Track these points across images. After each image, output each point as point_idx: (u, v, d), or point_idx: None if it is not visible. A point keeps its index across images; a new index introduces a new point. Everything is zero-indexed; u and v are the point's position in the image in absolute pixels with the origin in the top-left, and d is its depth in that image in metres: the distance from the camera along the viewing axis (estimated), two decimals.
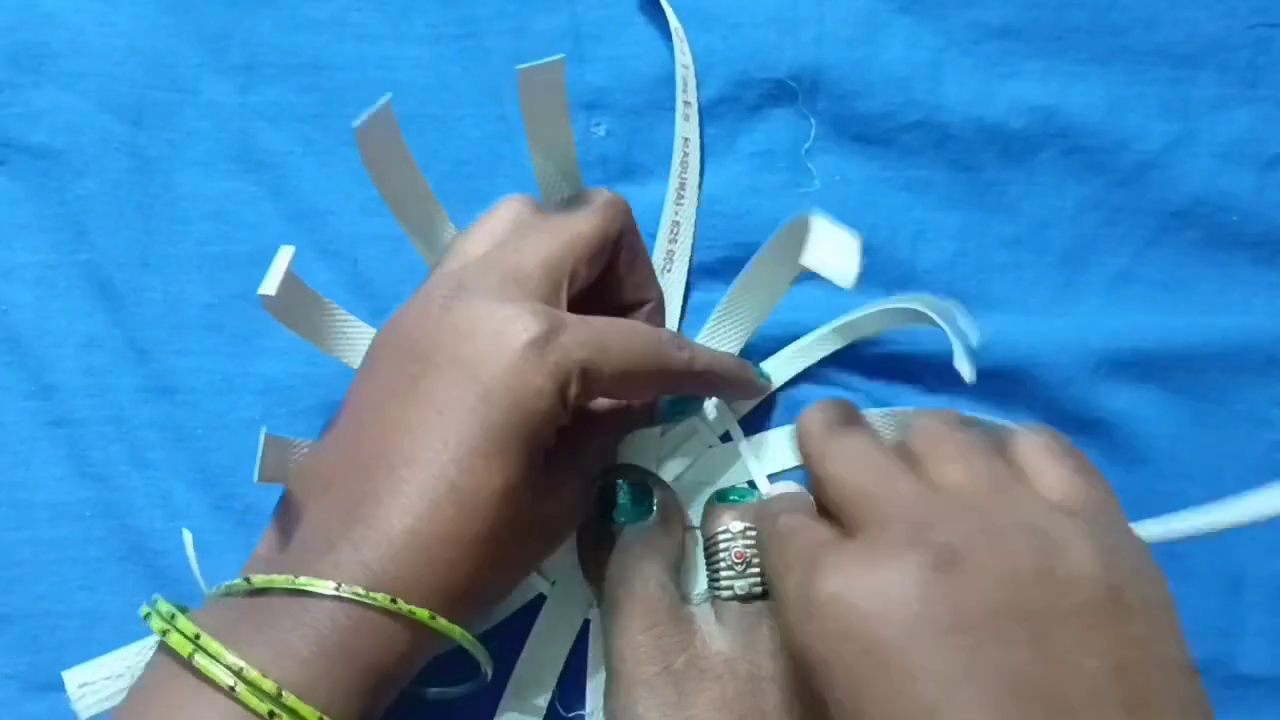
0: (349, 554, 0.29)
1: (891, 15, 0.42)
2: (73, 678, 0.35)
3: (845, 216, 0.41)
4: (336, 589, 0.28)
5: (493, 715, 0.37)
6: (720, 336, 0.40)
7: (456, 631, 0.30)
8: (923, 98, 0.41)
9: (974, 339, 0.32)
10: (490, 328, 0.30)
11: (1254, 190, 0.41)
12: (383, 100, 0.32)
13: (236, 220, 0.41)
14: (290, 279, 0.33)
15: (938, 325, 0.34)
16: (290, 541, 0.31)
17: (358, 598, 0.28)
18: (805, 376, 0.40)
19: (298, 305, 0.34)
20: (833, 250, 0.33)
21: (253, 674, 0.27)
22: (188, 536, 0.33)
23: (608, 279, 0.36)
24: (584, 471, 0.34)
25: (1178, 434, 0.40)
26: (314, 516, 0.31)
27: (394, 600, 0.29)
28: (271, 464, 0.33)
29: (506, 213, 0.35)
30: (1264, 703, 0.39)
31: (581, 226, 0.34)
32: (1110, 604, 0.26)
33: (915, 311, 0.36)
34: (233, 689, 0.27)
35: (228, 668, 0.27)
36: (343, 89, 0.42)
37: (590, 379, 0.31)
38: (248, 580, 0.29)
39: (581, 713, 0.38)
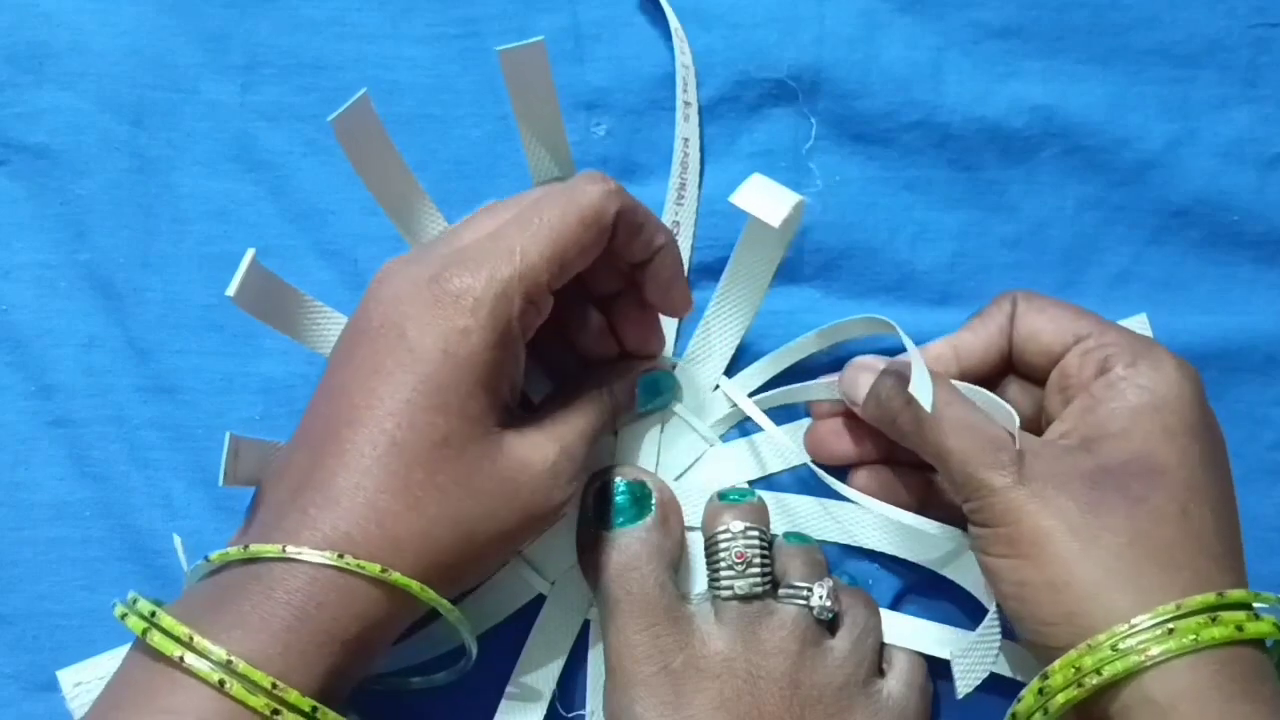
0: (297, 519, 0.29)
1: (891, 15, 0.42)
2: (67, 677, 0.35)
3: (845, 216, 0.41)
4: (282, 551, 0.29)
5: (493, 715, 0.37)
6: (716, 332, 0.40)
7: (414, 586, 0.30)
8: (923, 98, 0.41)
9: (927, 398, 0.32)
10: (408, 289, 0.31)
11: (1254, 190, 0.41)
12: (358, 94, 0.33)
13: (236, 220, 0.41)
14: (259, 277, 0.33)
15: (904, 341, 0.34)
16: (251, 523, 0.31)
17: (303, 557, 0.29)
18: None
19: (273, 301, 0.35)
20: (762, 195, 0.34)
21: (203, 643, 0.28)
22: (178, 541, 0.33)
23: (613, 253, 0.34)
24: (564, 447, 0.33)
25: None
26: (271, 496, 0.31)
27: (340, 556, 0.29)
28: (245, 466, 0.33)
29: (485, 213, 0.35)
30: None
31: (546, 213, 0.32)
32: None
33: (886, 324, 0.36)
34: (181, 659, 0.27)
35: (177, 639, 0.28)
36: (343, 89, 0.42)
37: (528, 287, 0.31)
38: (208, 559, 0.30)
39: (582, 713, 0.38)
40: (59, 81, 0.41)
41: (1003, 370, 0.37)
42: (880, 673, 0.37)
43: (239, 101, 0.42)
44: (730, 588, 0.36)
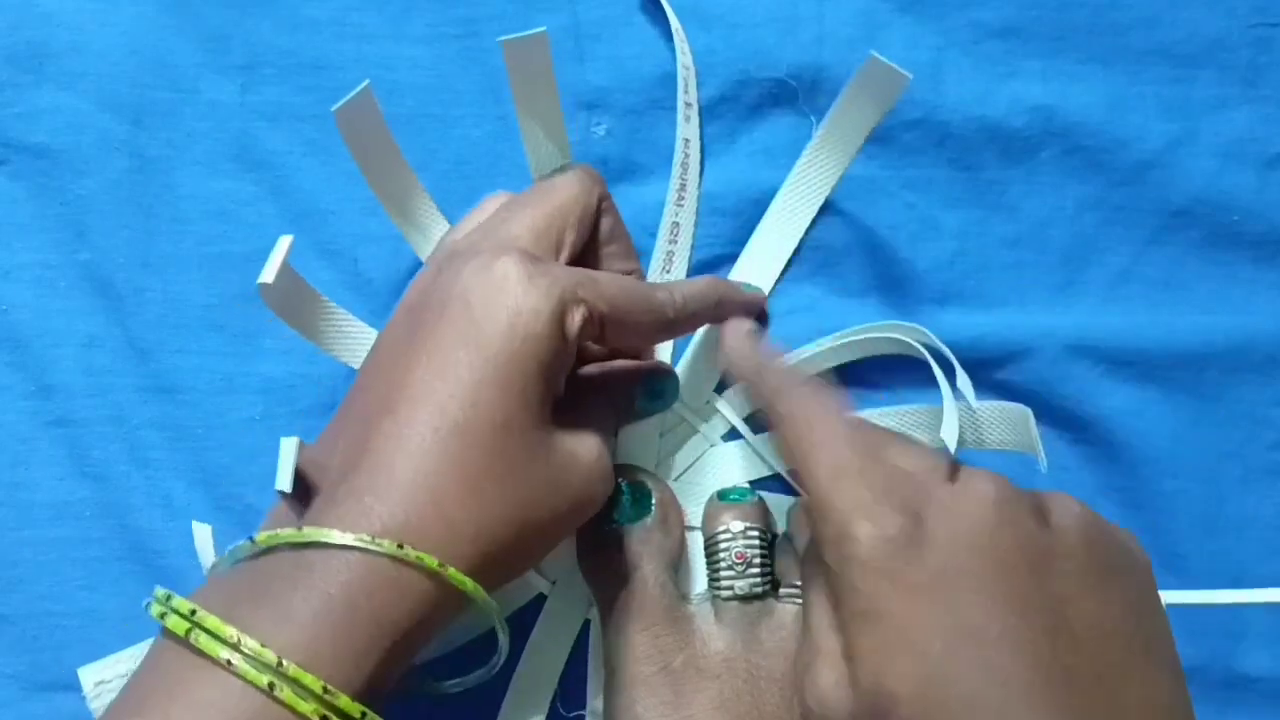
0: (352, 504, 0.28)
1: (891, 15, 0.42)
2: (88, 675, 0.35)
3: (845, 216, 0.41)
4: (341, 537, 0.27)
5: (493, 715, 0.37)
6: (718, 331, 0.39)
7: (468, 584, 0.28)
8: (923, 97, 0.41)
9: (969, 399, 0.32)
10: (478, 272, 0.30)
11: (1254, 190, 0.41)
12: (361, 85, 0.33)
13: (236, 220, 0.41)
14: (288, 272, 0.33)
15: (929, 361, 0.34)
16: (295, 504, 0.30)
17: (363, 544, 0.27)
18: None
19: (295, 299, 0.34)
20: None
21: (251, 644, 0.26)
22: (204, 530, 0.33)
23: (591, 250, 0.36)
24: (602, 441, 0.33)
25: (1178, 434, 0.40)
26: (318, 476, 0.30)
27: (400, 546, 0.27)
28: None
29: (490, 204, 0.36)
30: (1264, 702, 0.39)
31: (563, 192, 0.34)
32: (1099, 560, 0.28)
33: (911, 344, 0.36)
34: (229, 662, 0.26)
35: (224, 641, 0.26)
36: (343, 89, 0.41)
37: (590, 305, 0.31)
38: (253, 540, 0.28)
39: (582, 713, 0.38)
40: (59, 81, 0.41)
41: None
42: None
43: (239, 101, 0.42)
44: (730, 588, 0.36)
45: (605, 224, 0.36)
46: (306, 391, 0.40)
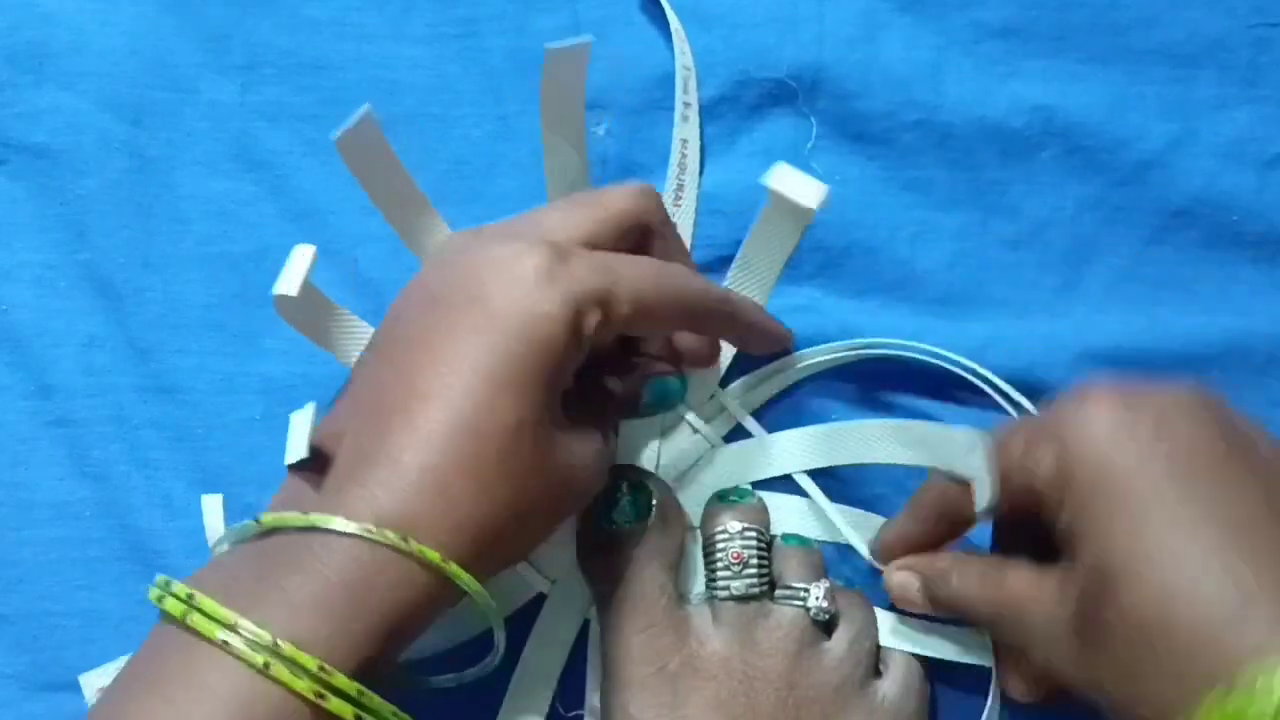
0: (358, 493, 0.28)
1: (891, 15, 0.42)
2: (90, 681, 0.35)
3: (845, 216, 0.41)
4: (347, 525, 0.27)
5: (493, 714, 0.37)
6: None
7: (465, 578, 0.29)
8: (923, 97, 0.41)
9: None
10: (499, 264, 0.30)
11: (1254, 190, 0.41)
12: (361, 110, 0.32)
13: (236, 220, 0.41)
14: (306, 284, 0.32)
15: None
16: (302, 487, 0.30)
17: (368, 534, 0.27)
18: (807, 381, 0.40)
19: (309, 307, 0.34)
20: (796, 180, 0.34)
21: (247, 625, 0.26)
22: (215, 500, 0.33)
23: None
24: (603, 437, 0.34)
25: None
26: (326, 462, 0.30)
27: (405, 539, 0.28)
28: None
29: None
30: None
31: (616, 202, 0.33)
32: None
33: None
34: (225, 642, 0.26)
35: (220, 621, 0.27)
36: (343, 89, 0.42)
37: (608, 308, 0.31)
38: (257, 521, 0.29)
39: (581, 713, 0.38)
40: (59, 81, 0.41)
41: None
42: (876, 674, 0.37)
43: (239, 101, 0.42)
44: (727, 588, 0.36)
45: (659, 247, 0.35)
46: (306, 391, 0.40)
